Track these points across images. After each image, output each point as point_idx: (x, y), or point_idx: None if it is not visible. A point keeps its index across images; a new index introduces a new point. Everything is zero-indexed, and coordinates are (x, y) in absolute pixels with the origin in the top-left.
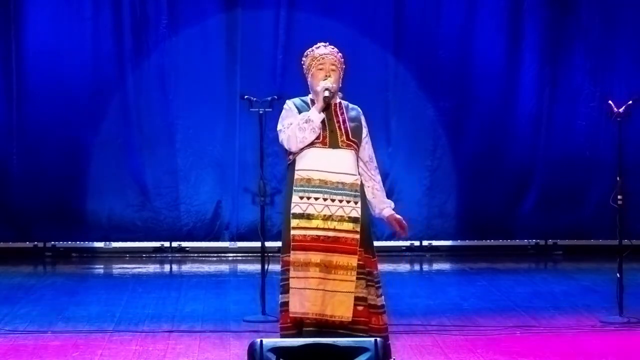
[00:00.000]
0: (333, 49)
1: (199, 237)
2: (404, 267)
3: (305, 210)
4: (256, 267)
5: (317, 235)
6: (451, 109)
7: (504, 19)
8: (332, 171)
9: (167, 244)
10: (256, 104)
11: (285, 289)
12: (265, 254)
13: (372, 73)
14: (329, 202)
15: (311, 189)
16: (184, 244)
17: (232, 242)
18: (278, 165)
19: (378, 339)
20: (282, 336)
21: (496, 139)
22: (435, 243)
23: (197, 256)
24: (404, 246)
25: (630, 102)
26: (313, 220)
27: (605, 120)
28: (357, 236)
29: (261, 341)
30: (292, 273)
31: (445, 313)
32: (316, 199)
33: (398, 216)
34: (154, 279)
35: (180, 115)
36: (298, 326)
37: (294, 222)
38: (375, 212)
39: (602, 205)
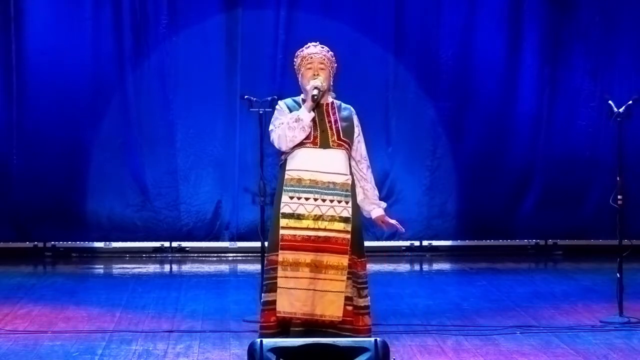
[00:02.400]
0: (322, 48)
1: (199, 237)
2: (404, 267)
3: (295, 210)
4: (256, 267)
5: (307, 236)
6: (451, 109)
7: (504, 19)
8: (323, 171)
9: (167, 244)
10: (256, 104)
11: (270, 288)
12: (265, 254)
13: (373, 73)
14: (319, 202)
15: (302, 189)
16: (184, 244)
17: (232, 242)
18: (278, 166)
19: (378, 339)
20: (262, 335)
21: (496, 139)
22: (435, 243)
23: (197, 256)
24: (404, 246)
25: (630, 102)
26: (304, 221)
27: (605, 120)
28: (348, 236)
29: (261, 341)
30: (280, 272)
31: (445, 313)
32: (307, 199)
33: (387, 218)
34: (154, 279)
35: (180, 115)
36: (282, 326)
37: (283, 222)
38: (365, 213)
39: (602, 205)
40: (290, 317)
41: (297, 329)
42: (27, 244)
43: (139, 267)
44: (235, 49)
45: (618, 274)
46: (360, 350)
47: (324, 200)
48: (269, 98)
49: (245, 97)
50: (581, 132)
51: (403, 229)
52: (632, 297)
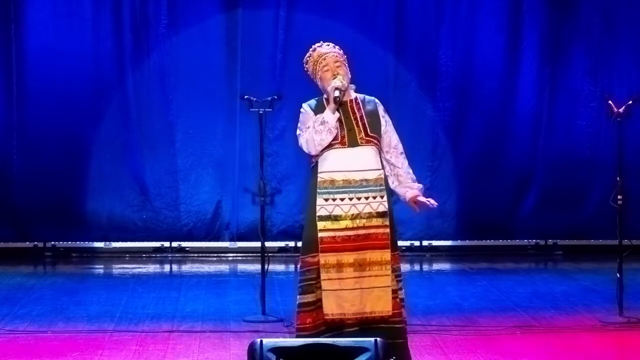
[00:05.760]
0: (329, 45)
1: (199, 237)
2: (404, 267)
3: (331, 212)
4: (256, 267)
5: (347, 236)
6: (451, 109)
7: (504, 19)
8: (354, 169)
9: (167, 244)
10: (256, 104)
11: (305, 290)
12: (265, 254)
13: (373, 73)
14: (355, 200)
15: (335, 190)
16: (184, 244)
17: (232, 242)
18: (278, 165)
19: (378, 339)
20: (299, 337)
21: (496, 139)
22: (435, 243)
23: (197, 256)
24: (404, 246)
25: (630, 102)
26: (341, 221)
27: (605, 120)
28: (387, 230)
29: (261, 341)
30: (323, 275)
31: (445, 313)
32: (342, 199)
33: (421, 198)
34: (154, 279)
35: (180, 115)
36: (333, 328)
37: (320, 225)
38: (400, 197)
39: (602, 205)
40: (341, 318)
41: (351, 329)
42: (27, 244)
43: (139, 267)
44: (235, 49)
45: (618, 274)
46: (360, 350)
47: (359, 199)
48: (269, 98)
49: (245, 97)
50: (581, 132)
51: (435, 203)
52: (632, 297)
